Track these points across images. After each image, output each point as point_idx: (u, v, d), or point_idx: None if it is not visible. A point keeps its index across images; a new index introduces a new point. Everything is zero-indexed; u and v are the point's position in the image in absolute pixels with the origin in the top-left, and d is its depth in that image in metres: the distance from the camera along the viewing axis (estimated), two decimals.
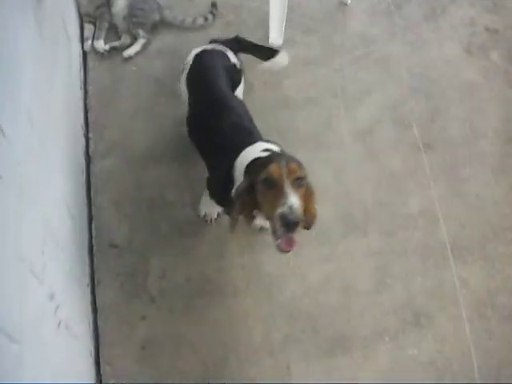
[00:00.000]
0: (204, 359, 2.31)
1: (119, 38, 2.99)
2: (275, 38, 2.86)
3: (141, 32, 2.93)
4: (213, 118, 2.17)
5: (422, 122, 2.82)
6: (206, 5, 3.09)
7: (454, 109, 2.88)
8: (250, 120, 2.24)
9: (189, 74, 2.39)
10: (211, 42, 2.55)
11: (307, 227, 1.92)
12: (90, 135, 2.75)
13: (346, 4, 3.16)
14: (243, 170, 1.89)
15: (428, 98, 2.89)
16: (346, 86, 2.88)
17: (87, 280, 2.39)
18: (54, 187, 2.08)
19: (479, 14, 3.23)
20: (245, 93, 2.70)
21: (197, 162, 2.64)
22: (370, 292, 2.44)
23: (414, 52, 3.06)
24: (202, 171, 2.60)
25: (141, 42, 2.94)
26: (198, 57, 2.40)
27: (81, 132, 2.67)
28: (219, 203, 2.21)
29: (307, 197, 1.82)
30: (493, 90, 2.96)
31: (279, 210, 1.66)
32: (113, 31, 3.02)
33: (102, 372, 2.30)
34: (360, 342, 2.36)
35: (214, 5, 3.06)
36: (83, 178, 2.59)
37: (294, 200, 1.66)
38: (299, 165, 1.78)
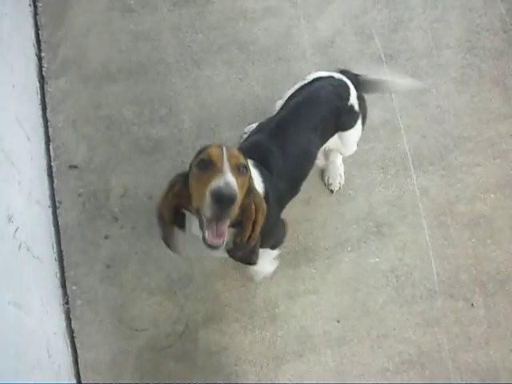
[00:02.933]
0: (169, 274, 2.34)
1: None
2: None
3: None
4: None
5: (384, 33, 2.76)
6: None
7: (417, 19, 2.82)
8: None
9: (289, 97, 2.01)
10: (342, 71, 2.14)
11: (241, 244, 1.64)
12: (43, 54, 2.63)
13: None
14: None
15: (390, 7, 2.81)
16: None
17: (48, 202, 2.36)
18: (5, 108, 2.01)
19: None
20: (201, 5, 2.63)
21: (154, 78, 2.59)
22: (332, 204, 2.47)
23: None
24: (160, 87, 2.56)
25: None
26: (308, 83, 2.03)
27: (32, 51, 2.56)
28: None
29: (252, 209, 1.58)
30: None
31: (213, 186, 1.40)
32: None
33: (68, 293, 2.32)
34: (323, 252, 2.41)
35: None
36: (38, 98, 2.50)
37: (231, 179, 1.41)
38: (243, 155, 1.56)
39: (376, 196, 2.50)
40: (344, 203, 2.47)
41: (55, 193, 2.43)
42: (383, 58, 2.70)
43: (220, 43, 2.66)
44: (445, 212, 2.51)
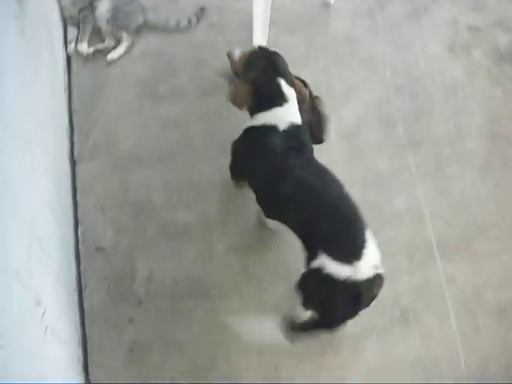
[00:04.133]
0: (193, 360, 2.31)
1: (103, 41, 2.96)
2: (259, 40, 2.85)
3: (124, 35, 2.92)
4: None
5: (406, 121, 2.83)
6: (189, 7, 3.08)
7: (439, 108, 2.90)
8: None
9: None
10: None
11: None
12: (75, 139, 2.73)
13: (328, 4, 3.18)
14: None
15: (412, 97, 2.90)
16: (331, 85, 2.88)
17: (74, 284, 2.38)
18: (39, 192, 2.06)
19: (461, 13, 3.27)
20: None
21: (183, 164, 2.65)
22: None
23: (397, 51, 3.08)
24: (189, 173, 2.62)
25: (125, 44, 2.93)
26: None
27: (65, 135, 2.65)
28: None
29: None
30: (476, 89, 2.98)
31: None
32: (96, 34, 2.99)
33: (90, 376, 2.29)
34: (349, 339, 2.37)
35: (202, 10, 3.06)
36: (68, 181, 2.57)
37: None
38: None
39: (401, 284, 2.48)
40: None
41: (81, 275, 2.45)
42: (407, 146, 2.76)
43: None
44: (472, 300, 2.47)
